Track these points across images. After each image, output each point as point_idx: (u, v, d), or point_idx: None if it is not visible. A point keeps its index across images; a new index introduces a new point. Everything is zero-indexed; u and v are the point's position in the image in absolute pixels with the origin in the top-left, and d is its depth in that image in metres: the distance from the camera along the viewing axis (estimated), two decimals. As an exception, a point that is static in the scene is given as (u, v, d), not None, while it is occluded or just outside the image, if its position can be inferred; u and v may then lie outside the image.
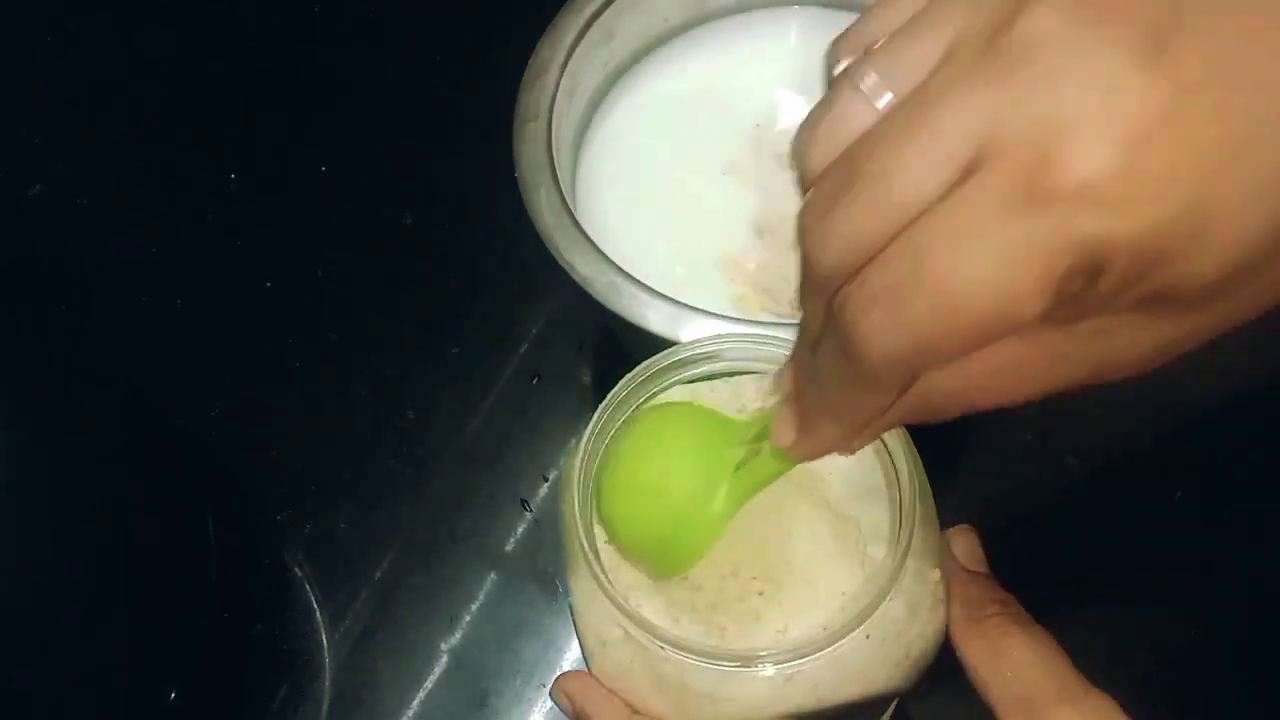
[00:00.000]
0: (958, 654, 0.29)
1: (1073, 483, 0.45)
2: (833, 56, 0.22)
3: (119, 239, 0.57)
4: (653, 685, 0.29)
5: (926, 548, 0.30)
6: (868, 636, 0.28)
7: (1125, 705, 0.28)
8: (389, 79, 0.60)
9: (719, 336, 0.31)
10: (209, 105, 0.60)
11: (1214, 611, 0.43)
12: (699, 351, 0.31)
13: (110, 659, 0.41)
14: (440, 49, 0.60)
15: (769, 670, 0.27)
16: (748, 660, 0.27)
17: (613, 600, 0.27)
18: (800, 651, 0.27)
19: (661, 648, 0.27)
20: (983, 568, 0.31)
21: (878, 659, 0.28)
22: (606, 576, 0.28)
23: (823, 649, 0.27)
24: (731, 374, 0.32)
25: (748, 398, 0.32)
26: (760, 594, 0.29)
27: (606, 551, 0.30)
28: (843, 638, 0.27)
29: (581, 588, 0.29)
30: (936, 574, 0.30)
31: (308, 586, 0.47)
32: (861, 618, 0.27)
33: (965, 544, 0.31)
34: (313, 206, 0.56)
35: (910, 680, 0.29)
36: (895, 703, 0.31)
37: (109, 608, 0.40)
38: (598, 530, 0.30)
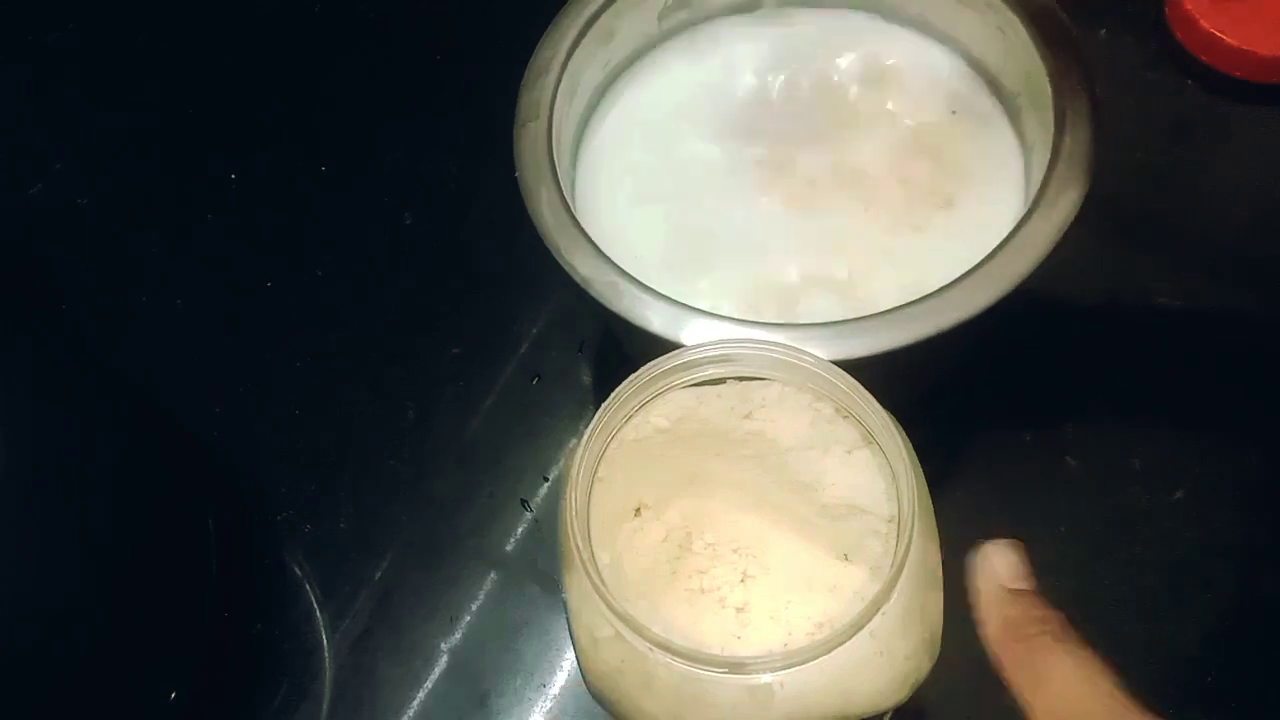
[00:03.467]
0: (1001, 675, 0.28)
1: (1073, 483, 0.45)
2: None
3: (119, 239, 0.57)
4: (643, 686, 0.29)
5: (924, 560, 0.29)
6: (860, 648, 0.28)
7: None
8: (389, 79, 0.60)
9: (726, 341, 0.31)
10: (209, 105, 0.60)
11: (1214, 612, 0.43)
12: (706, 355, 0.31)
13: (110, 659, 0.41)
14: (440, 49, 0.60)
15: (759, 678, 0.27)
16: (736, 667, 0.27)
17: (604, 600, 0.27)
18: (790, 661, 0.27)
19: (651, 650, 0.27)
20: (1027, 584, 0.29)
21: (869, 671, 0.28)
22: (600, 575, 0.28)
23: (813, 659, 0.27)
24: (738, 379, 0.32)
25: (754, 404, 0.31)
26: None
27: (603, 552, 0.30)
28: (834, 648, 0.27)
29: (575, 585, 0.29)
30: (933, 586, 0.30)
31: (308, 586, 0.47)
32: (854, 628, 0.27)
33: (1008, 559, 0.30)
34: (313, 206, 0.56)
35: (902, 694, 0.29)
36: (889, 715, 0.31)
37: (109, 608, 0.40)
38: (592, 529, 0.30)
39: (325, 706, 0.44)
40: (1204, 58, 0.53)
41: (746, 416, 0.31)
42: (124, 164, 0.59)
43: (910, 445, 0.30)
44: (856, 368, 0.31)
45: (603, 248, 0.37)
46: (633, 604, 0.29)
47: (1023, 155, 0.42)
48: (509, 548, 0.47)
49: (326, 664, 0.45)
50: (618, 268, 0.37)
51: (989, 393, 0.47)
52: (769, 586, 0.29)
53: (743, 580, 0.29)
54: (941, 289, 0.35)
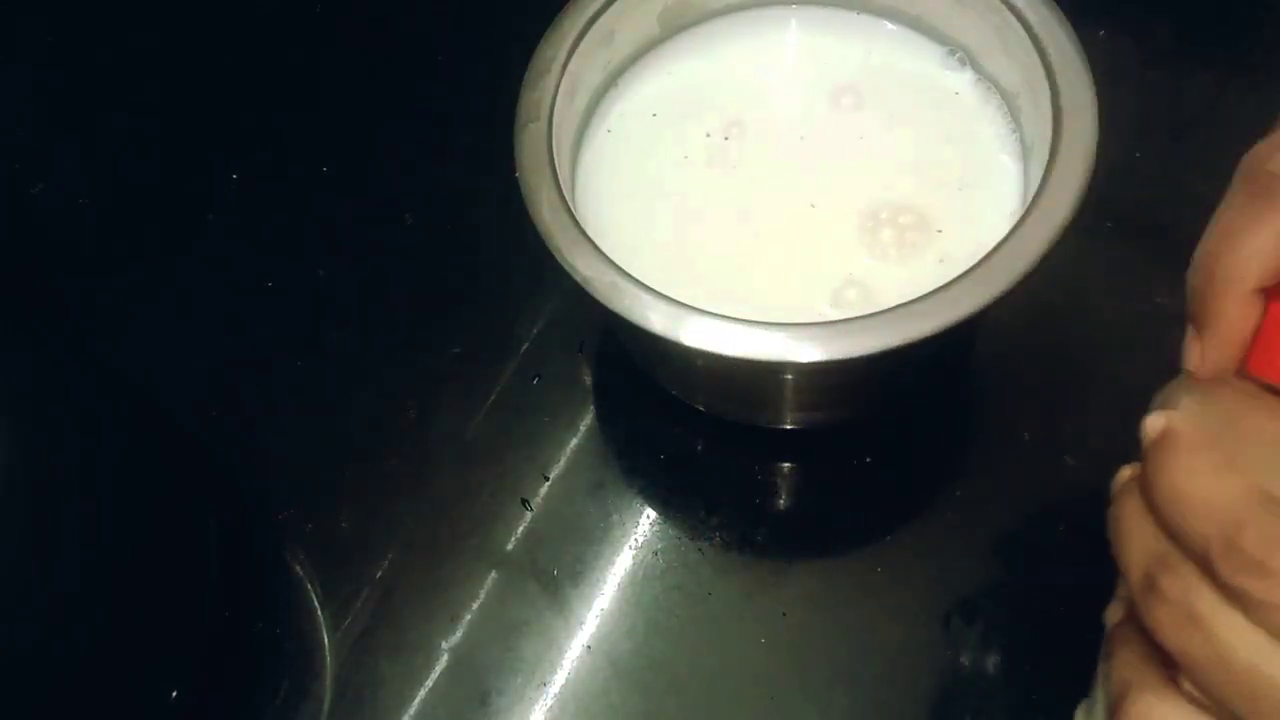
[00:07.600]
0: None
1: (1073, 483, 0.45)
2: None
3: (119, 239, 0.57)
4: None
5: None
6: None
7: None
8: (389, 79, 0.60)
9: None
10: (209, 105, 0.60)
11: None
12: None
13: (110, 659, 0.41)
14: (440, 49, 0.60)
15: None
16: None
17: None
18: None
19: None
20: None
21: None
22: None
23: None
24: None
25: None
26: None
27: None
28: None
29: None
30: None
31: (309, 585, 0.47)
32: None
33: None
34: (313, 206, 0.56)
35: None
36: None
37: (109, 607, 0.40)
38: None
39: (326, 705, 0.44)
40: (1203, 58, 0.53)
41: None
42: (124, 164, 0.59)
43: None
44: (856, 367, 0.31)
45: (603, 248, 0.37)
46: None
47: (1022, 155, 0.42)
48: (509, 547, 0.47)
49: (327, 663, 0.45)
50: (618, 268, 0.37)
51: (989, 393, 0.47)
52: None
53: None
54: (941, 288, 0.35)
